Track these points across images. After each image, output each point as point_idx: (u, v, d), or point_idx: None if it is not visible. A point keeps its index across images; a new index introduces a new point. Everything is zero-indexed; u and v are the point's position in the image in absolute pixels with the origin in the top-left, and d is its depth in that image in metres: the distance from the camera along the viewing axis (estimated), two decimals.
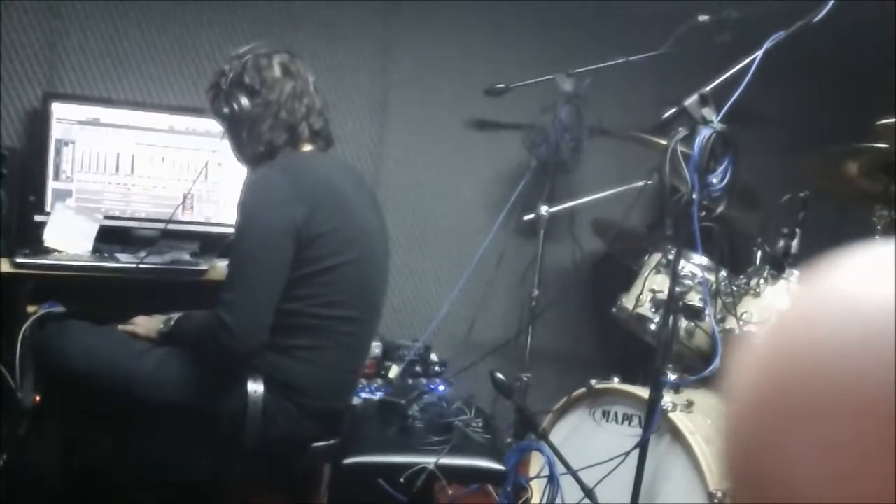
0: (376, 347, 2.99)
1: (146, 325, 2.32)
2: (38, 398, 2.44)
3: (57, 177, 2.76)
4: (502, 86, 3.30)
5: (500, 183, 3.53)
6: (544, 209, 3.22)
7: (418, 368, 3.05)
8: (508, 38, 3.53)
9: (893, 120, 2.55)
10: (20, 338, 2.39)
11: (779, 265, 2.65)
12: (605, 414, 2.66)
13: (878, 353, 0.37)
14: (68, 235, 2.66)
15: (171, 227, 2.75)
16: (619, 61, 3.13)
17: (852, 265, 0.42)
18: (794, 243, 2.70)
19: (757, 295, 2.60)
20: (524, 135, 3.36)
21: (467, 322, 3.57)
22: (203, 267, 2.69)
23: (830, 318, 0.39)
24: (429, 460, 2.17)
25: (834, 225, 3.80)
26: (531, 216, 3.26)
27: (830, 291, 0.41)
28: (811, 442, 0.38)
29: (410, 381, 2.93)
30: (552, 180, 3.37)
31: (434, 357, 3.13)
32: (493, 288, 3.59)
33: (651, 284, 2.78)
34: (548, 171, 3.35)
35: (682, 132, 2.13)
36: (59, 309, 2.45)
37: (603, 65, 3.17)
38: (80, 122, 2.78)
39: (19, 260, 2.49)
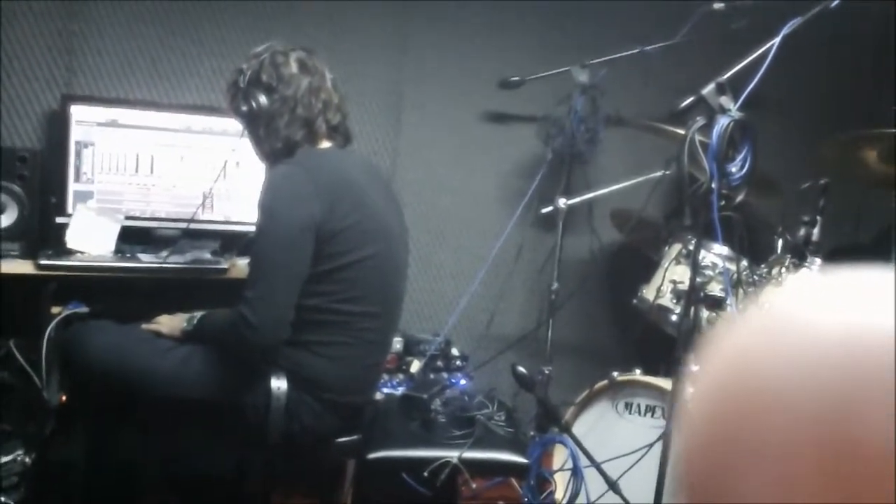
0: (397, 342, 3.00)
1: (169, 323, 2.33)
2: (63, 398, 2.46)
3: (78, 178, 2.78)
4: (517, 78, 3.28)
5: (516, 176, 3.53)
6: (562, 201, 3.21)
7: (439, 363, 3.05)
8: (522, 31, 3.51)
9: None
10: (45, 338, 2.41)
11: (800, 253, 2.63)
12: (628, 406, 2.67)
13: (836, 387, 0.35)
14: (90, 236, 2.68)
15: (192, 226, 2.77)
16: (634, 51, 3.11)
17: (803, 292, 0.40)
18: (815, 231, 2.68)
19: (779, 284, 2.59)
20: (539, 127, 3.35)
21: (487, 315, 3.57)
22: (224, 265, 2.71)
23: (783, 349, 0.38)
24: (452, 454, 2.18)
25: (854, 212, 3.78)
26: (549, 209, 3.26)
27: (782, 320, 0.39)
28: (766, 480, 0.37)
29: (432, 376, 2.94)
30: (569, 172, 3.36)
31: (455, 351, 3.13)
32: (512, 281, 3.58)
33: (671, 275, 2.77)
34: (564, 162, 3.34)
35: (700, 121, 2.12)
36: (83, 309, 2.48)
37: (618, 55, 3.15)
38: (100, 124, 2.80)
39: (43, 261, 2.51)
